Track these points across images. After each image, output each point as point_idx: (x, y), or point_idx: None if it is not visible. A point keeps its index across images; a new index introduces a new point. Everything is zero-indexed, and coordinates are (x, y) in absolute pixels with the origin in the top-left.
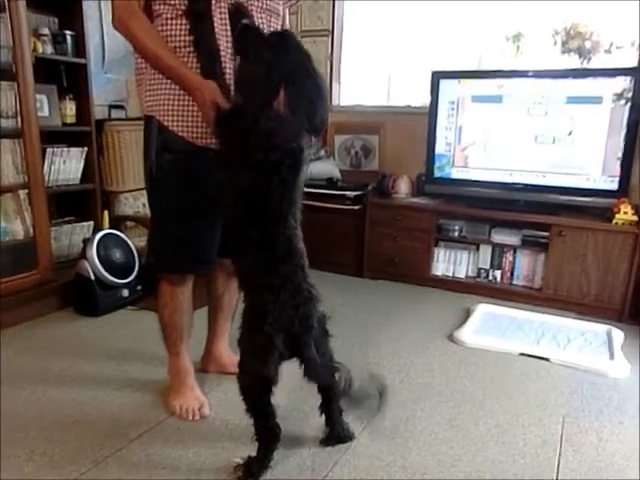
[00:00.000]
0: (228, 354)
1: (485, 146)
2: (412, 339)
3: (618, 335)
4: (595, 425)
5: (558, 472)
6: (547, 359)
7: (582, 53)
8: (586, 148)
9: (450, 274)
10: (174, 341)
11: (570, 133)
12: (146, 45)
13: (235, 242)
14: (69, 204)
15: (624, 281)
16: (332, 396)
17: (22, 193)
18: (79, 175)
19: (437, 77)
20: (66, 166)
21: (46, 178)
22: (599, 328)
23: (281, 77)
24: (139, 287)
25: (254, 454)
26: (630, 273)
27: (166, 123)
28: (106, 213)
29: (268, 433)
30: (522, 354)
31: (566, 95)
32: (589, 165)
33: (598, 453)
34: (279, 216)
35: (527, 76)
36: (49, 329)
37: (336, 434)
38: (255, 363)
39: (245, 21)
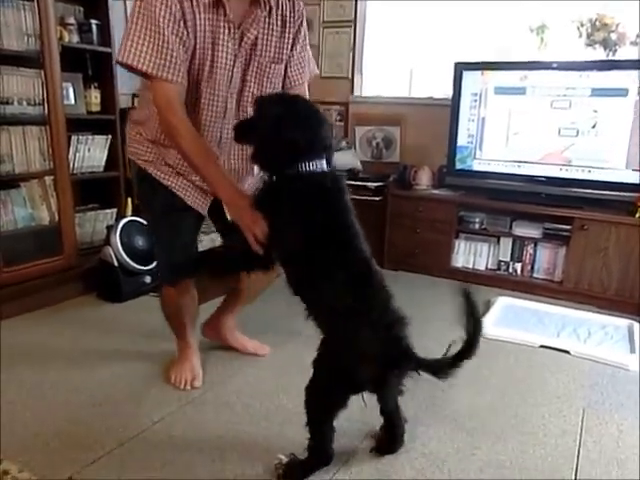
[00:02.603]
0: (230, 328)
1: (508, 138)
2: (431, 329)
3: (639, 329)
4: (615, 417)
5: (578, 463)
6: (567, 352)
7: (608, 45)
8: (610, 141)
9: (470, 266)
10: (180, 330)
11: (594, 126)
12: (183, 139)
13: (307, 278)
14: (93, 191)
15: None
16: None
17: (48, 179)
18: (103, 163)
19: (460, 68)
20: (90, 154)
21: (71, 165)
22: (620, 322)
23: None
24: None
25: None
26: None
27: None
28: (129, 200)
29: (323, 453)
30: (542, 346)
31: (591, 87)
32: (613, 158)
33: (618, 445)
34: (350, 239)
35: (551, 68)
36: (73, 313)
37: (398, 443)
38: (334, 392)
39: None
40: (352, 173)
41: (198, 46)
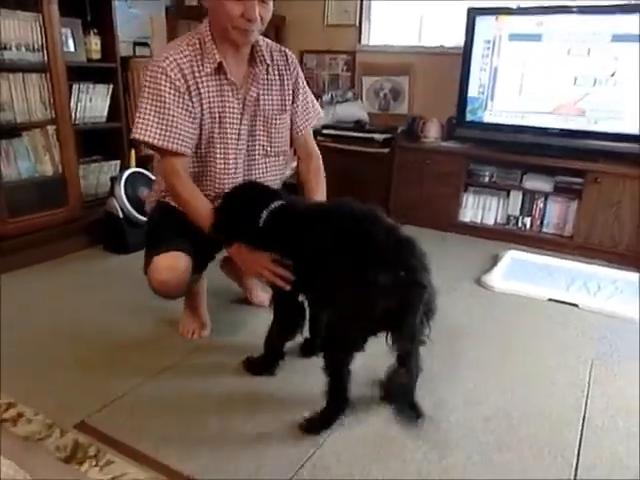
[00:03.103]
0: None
1: (521, 88)
2: (439, 282)
3: None
4: (624, 369)
5: (585, 413)
6: (576, 305)
7: None
8: (629, 91)
9: (478, 220)
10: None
11: (613, 74)
12: (186, 202)
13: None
14: (96, 143)
15: None
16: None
17: (50, 129)
18: (105, 113)
19: (473, 14)
20: (92, 104)
21: (73, 115)
22: (631, 276)
23: None
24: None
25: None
26: None
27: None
28: (133, 152)
29: (341, 397)
30: (551, 300)
31: (612, 33)
32: (630, 109)
33: (626, 395)
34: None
35: (570, 12)
36: (80, 265)
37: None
38: (347, 326)
39: None
40: (359, 125)
41: (206, 109)
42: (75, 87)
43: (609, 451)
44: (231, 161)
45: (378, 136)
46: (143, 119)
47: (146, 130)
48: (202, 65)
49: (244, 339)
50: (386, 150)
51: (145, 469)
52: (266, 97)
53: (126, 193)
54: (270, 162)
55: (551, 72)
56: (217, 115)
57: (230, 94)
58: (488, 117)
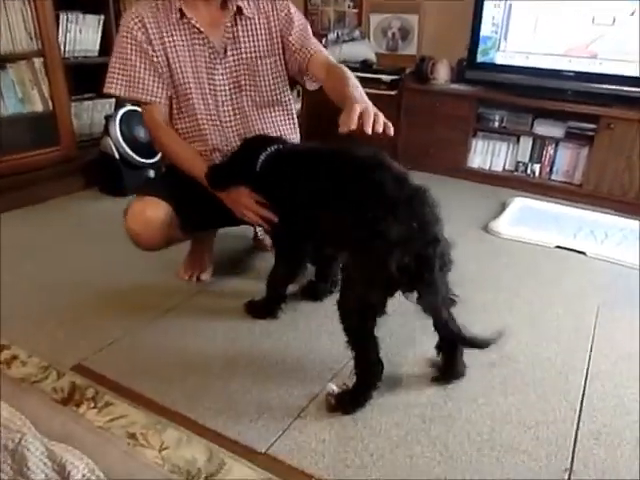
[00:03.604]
0: None
1: (535, 28)
2: (446, 228)
3: None
4: (629, 315)
5: (590, 357)
6: (583, 253)
7: None
8: None
9: (487, 167)
10: None
11: (633, 13)
12: (173, 151)
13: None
14: (89, 79)
15: None
16: (455, 333)
17: (37, 62)
18: (97, 47)
19: None
20: (82, 36)
21: (61, 48)
22: (638, 225)
23: None
24: (164, 167)
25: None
26: None
27: None
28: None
29: (370, 368)
30: (558, 247)
31: None
32: None
33: (630, 340)
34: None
35: None
36: (76, 207)
37: (456, 372)
38: (362, 286)
39: None
40: (365, 65)
41: (174, 59)
42: (63, 17)
43: (612, 394)
44: (212, 112)
45: (386, 77)
46: (111, 73)
47: (112, 83)
48: (168, 15)
49: (249, 283)
50: (394, 92)
51: (145, 412)
52: (248, 43)
53: (122, 132)
54: (266, 114)
55: (569, 10)
56: (188, 64)
57: (200, 42)
58: (500, 58)
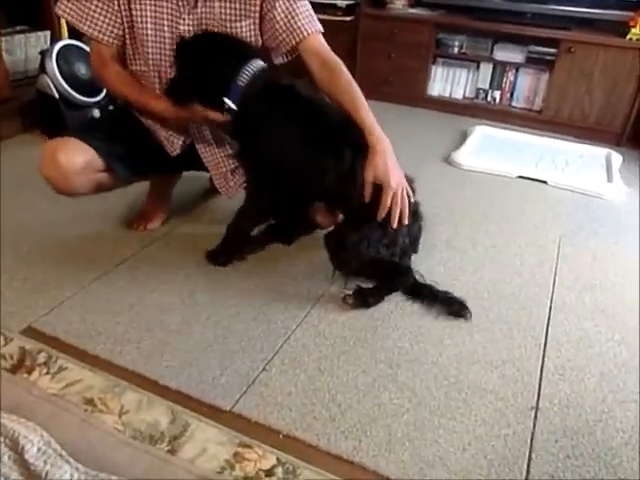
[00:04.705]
0: None
1: None
2: (406, 162)
3: (617, 159)
4: (591, 245)
5: (553, 290)
6: (545, 182)
7: None
8: None
9: (447, 94)
10: None
11: None
12: (120, 90)
13: None
14: (19, 9)
15: (628, 103)
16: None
17: None
18: None
19: None
20: None
21: None
22: (598, 151)
23: None
24: (111, 107)
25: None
26: (637, 94)
27: None
28: (64, 20)
29: (390, 266)
30: (520, 177)
31: None
32: None
33: (593, 271)
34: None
35: None
36: (15, 153)
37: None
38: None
39: None
40: None
41: (137, 9)
42: None
43: (575, 327)
44: (168, 62)
45: (341, 2)
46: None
47: (63, 4)
48: None
49: (205, 228)
50: (350, 18)
51: (102, 374)
52: (223, 1)
53: (60, 69)
54: None
55: None
56: (149, 6)
57: None
58: None
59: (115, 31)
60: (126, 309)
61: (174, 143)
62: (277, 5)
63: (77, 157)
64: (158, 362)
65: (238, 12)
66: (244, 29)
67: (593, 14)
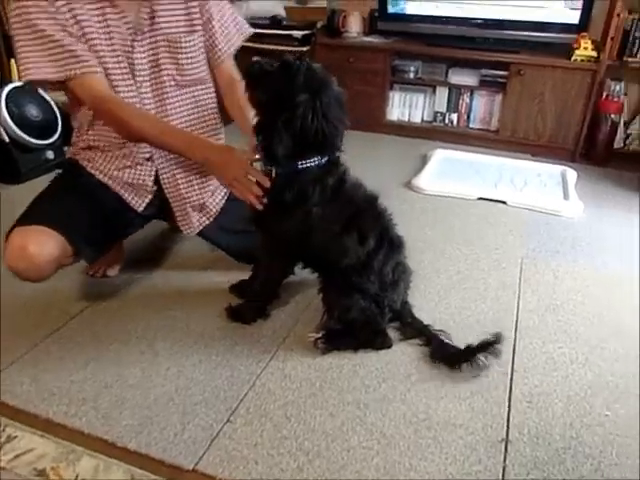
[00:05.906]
0: None
1: None
2: (368, 187)
3: (572, 175)
4: (552, 265)
5: (518, 313)
6: (504, 202)
7: None
8: None
9: (406, 119)
10: None
11: None
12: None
13: None
14: None
15: (579, 120)
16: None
17: None
18: None
19: None
20: None
21: None
22: (554, 169)
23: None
24: (66, 148)
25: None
26: (586, 111)
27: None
28: (13, 61)
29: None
30: (480, 198)
31: None
32: None
33: (554, 291)
34: None
35: None
36: None
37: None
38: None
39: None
40: (275, 21)
41: (91, 34)
42: None
43: (540, 350)
44: (130, 95)
45: (296, 33)
46: (26, 57)
47: (31, 68)
48: None
49: (165, 275)
50: (305, 48)
51: (55, 441)
52: (167, 17)
53: (10, 113)
54: (185, 95)
55: None
56: (104, 40)
57: (113, 17)
58: (411, 8)
59: (90, 58)
60: (82, 366)
61: (142, 195)
62: (213, 13)
63: (49, 248)
64: (116, 421)
65: (184, 26)
66: (193, 42)
67: (539, 37)
